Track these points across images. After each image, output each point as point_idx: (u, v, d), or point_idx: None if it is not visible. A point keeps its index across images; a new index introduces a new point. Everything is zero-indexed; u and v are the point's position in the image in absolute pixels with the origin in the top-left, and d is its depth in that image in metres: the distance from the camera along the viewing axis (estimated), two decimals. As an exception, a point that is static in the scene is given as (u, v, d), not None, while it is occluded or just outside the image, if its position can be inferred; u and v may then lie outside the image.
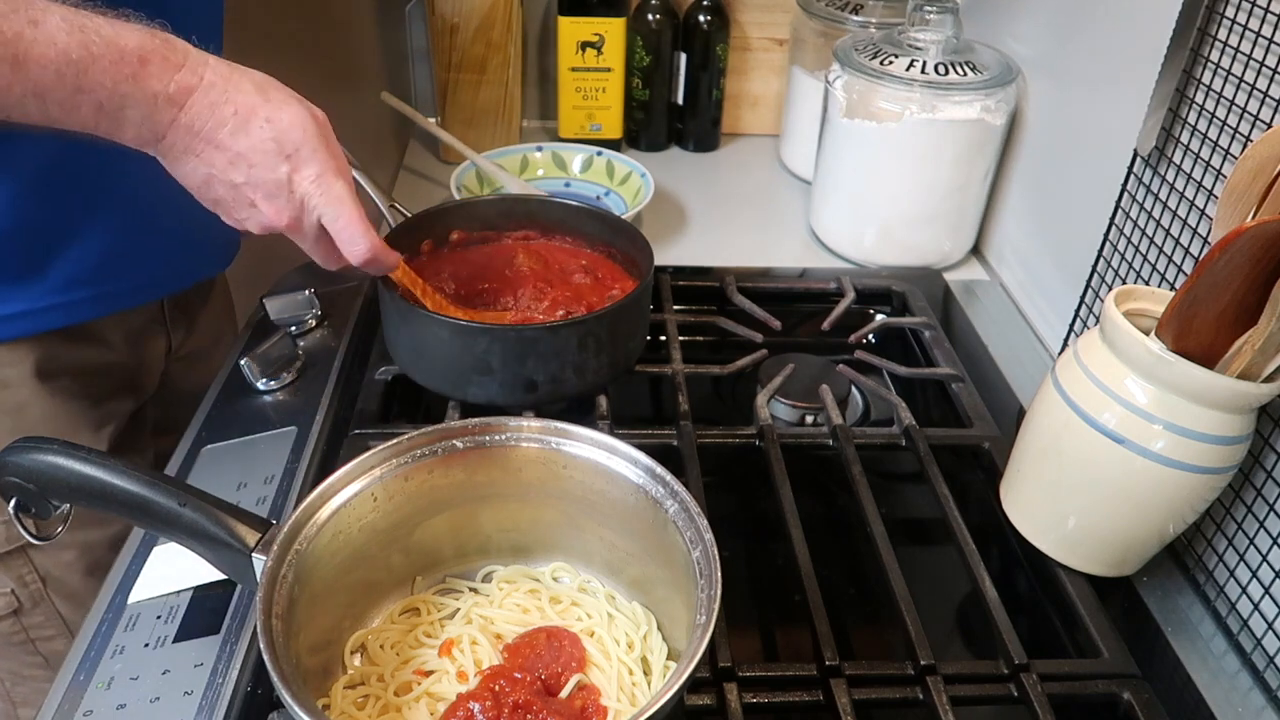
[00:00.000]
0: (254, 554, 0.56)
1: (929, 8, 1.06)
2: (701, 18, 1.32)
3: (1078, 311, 0.90)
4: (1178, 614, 0.72)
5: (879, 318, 1.03)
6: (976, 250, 1.19)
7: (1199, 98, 0.74)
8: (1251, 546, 0.68)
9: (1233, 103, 0.70)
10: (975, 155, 1.07)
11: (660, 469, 0.61)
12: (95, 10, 0.59)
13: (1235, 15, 0.70)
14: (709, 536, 0.57)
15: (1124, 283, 0.84)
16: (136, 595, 0.67)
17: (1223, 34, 0.71)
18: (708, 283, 1.03)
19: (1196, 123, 0.75)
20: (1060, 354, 0.77)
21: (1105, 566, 0.71)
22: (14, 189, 0.72)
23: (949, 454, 0.83)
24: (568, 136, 1.36)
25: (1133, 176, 0.83)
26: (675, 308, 0.98)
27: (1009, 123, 1.07)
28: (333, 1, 1.40)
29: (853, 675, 0.63)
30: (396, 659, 0.62)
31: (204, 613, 0.66)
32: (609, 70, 1.32)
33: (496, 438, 0.64)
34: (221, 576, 0.62)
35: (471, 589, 0.68)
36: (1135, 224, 0.82)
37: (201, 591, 0.67)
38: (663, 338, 0.93)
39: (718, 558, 0.55)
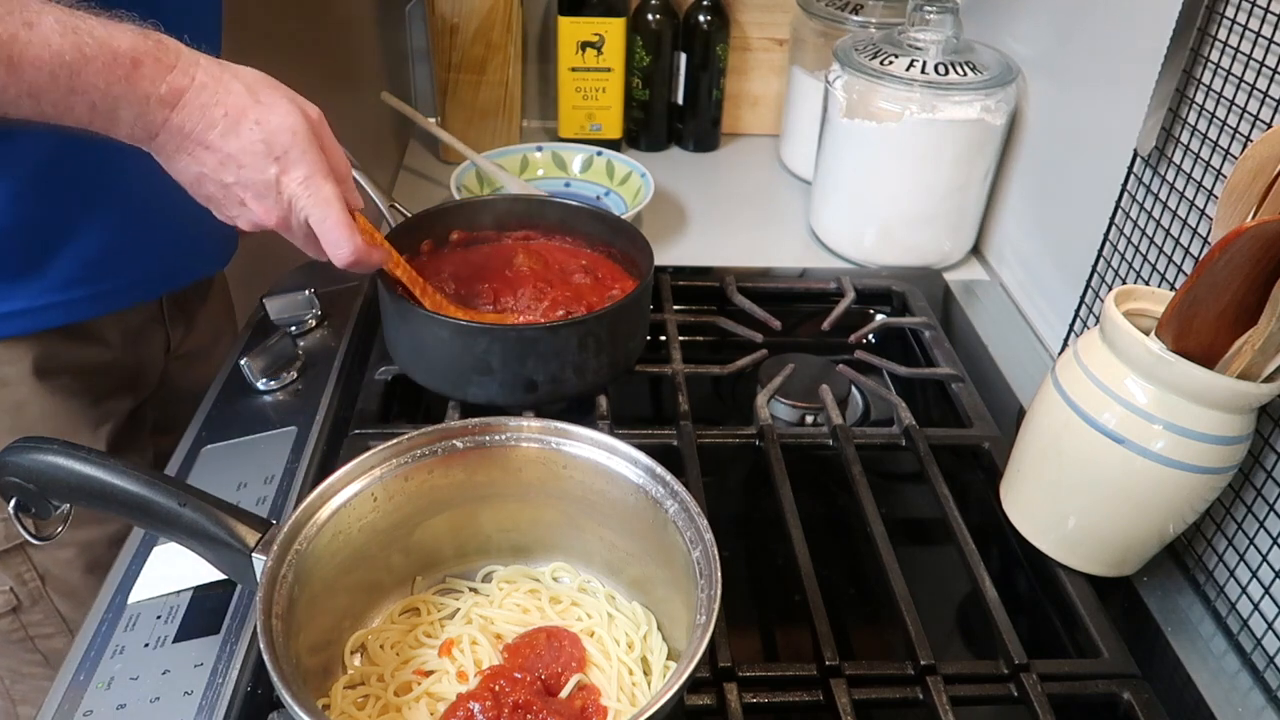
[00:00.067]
0: (254, 554, 0.56)
1: (929, 8, 1.06)
2: (701, 18, 1.32)
3: (1078, 311, 0.90)
4: (1178, 614, 0.72)
5: (879, 318, 1.03)
6: (976, 250, 1.19)
7: (1199, 98, 0.74)
8: (1251, 546, 0.68)
9: (1233, 103, 0.70)
10: (975, 155, 1.07)
11: (660, 469, 0.61)
12: (89, 11, 0.59)
13: (1235, 15, 0.70)
14: (709, 536, 0.57)
15: (1124, 283, 0.84)
16: (136, 595, 0.67)
17: (1223, 34, 0.71)
18: (708, 283, 1.03)
19: (1196, 123, 0.75)
20: (1060, 354, 0.77)
21: (1105, 566, 0.71)
22: (12, 187, 0.72)
23: (949, 454, 0.83)
24: (568, 136, 1.36)
25: (1133, 176, 0.83)
26: (675, 308, 0.98)
27: (1009, 123, 1.07)
28: (333, 1, 1.40)
29: (853, 675, 0.63)
30: (396, 659, 0.62)
31: (204, 613, 0.66)
32: (609, 70, 1.32)
33: (496, 438, 0.64)
34: (221, 576, 0.62)
35: (471, 589, 0.68)
36: (1135, 224, 0.82)
37: (201, 591, 0.67)
38: (663, 338, 0.93)
39: (718, 558, 0.55)
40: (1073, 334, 0.92)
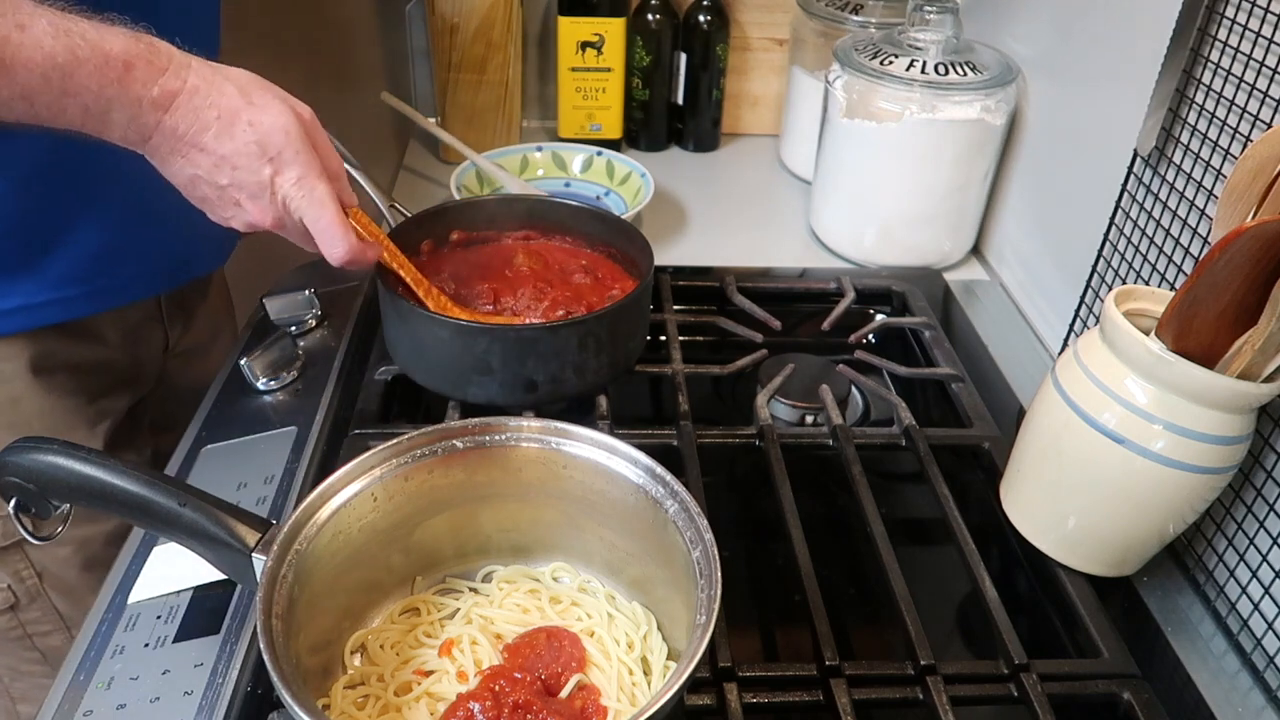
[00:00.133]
0: (254, 554, 0.56)
1: (929, 8, 1.06)
2: (701, 18, 1.32)
3: (1078, 311, 0.90)
4: (1178, 614, 0.72)
5: (879, 318, 1.03)
6: (976, 250, 1.19)
7: (1199, 98, 0.74)
8: (1251, 546, 0.68)
9: (1233, 103, 0.70)
10: (975, 155, 1.07)
11: (660, 469, 0.61)
12: (81, 14, 0.59)
13: (1235, 15, 0.70)
14: (709, 536, 0.57)
15: (1124, 283, 0.84)
16: (136, 595, 0.67)
17: (1223, 34, 0.71)
18: (708, 283, 1.03)
19: (1196, 123, 0.75)
20: (1060, 354, 0.77)
21: (1105, 566, 0.71)
22: (9, 185, 0.73)
23: (949, 454, 0.83)
24: (568, 136, 1.36)
25: (1133, 176, 0.83)
26: (675, 308, 0.98)
27: (1009, 123, 1.07)
28: (333, 1, 1.40)
29: (853, 675, 0.63)
30: (396, 659, 0.62)
31: (204, 613, 0.66)
32: (609, 70, 1.32)
33: (496, 438, 0.64)
34: (221, 576, 0.62)
35: (471, 589, 0.68)
36: (1135, 224, 0.82)
37: (201, 591, 0.67)
38: (663, 338, 0.93)
39: (718, 558, 0.55)
40: (1073, 334, 0.92)
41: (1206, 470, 0.64)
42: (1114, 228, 0.85)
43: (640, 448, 0.62)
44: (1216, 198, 0.69)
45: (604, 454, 0.63)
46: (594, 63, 1.31)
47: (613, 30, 1.29)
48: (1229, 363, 0.61)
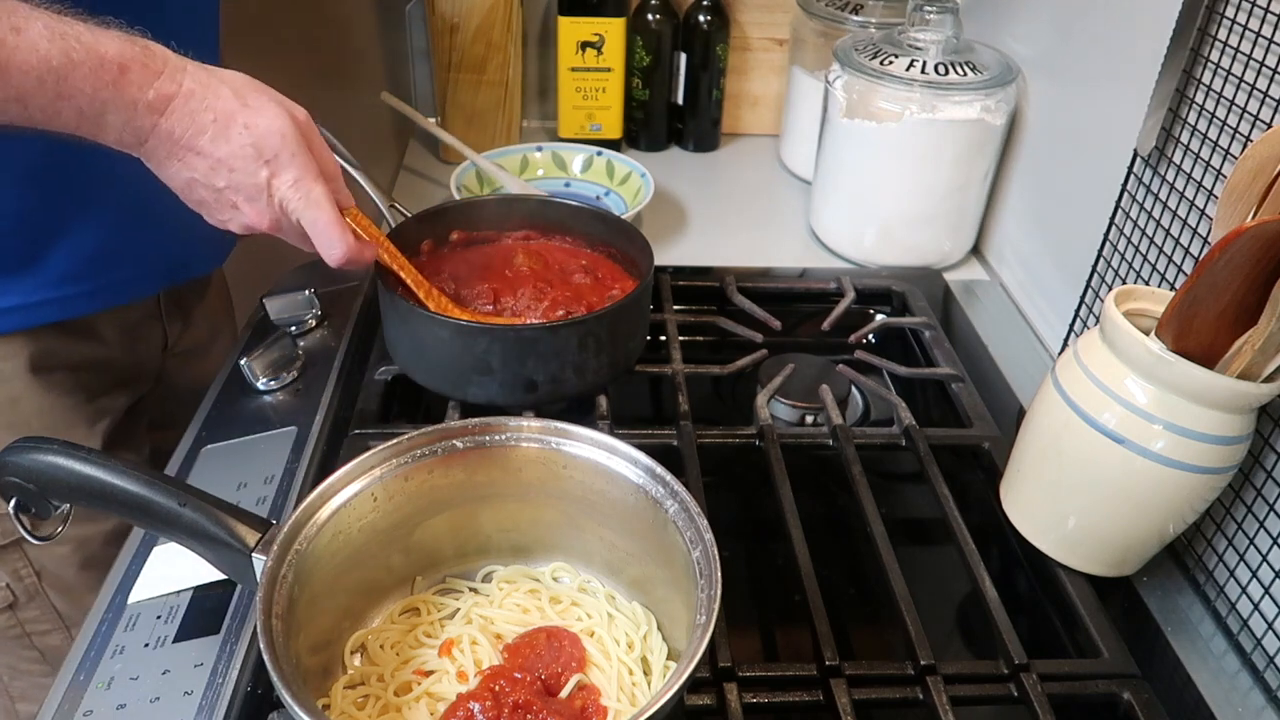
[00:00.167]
0: (254, 554, 0.56)
1: (929, 8, 1.06)
2: (701, 18, 1.32)
3: (1078, 311, 0.90)
4: (1178, 614, 0.72)
5: (879, 318, 1.03)
6: (976, 250, 1.19)
7: (1199, 98, 0.74)
8: (1251, 546, 0.68)
9: (1233, 103, 0.70)
10: (975, 155, 1.07)
11: (660, 469, 0.61)
12: (77, 17, 0.59)
13: (1235, 15, 0.70)
14: (709, 536, 0.57)
15: (1124, 283, 0.84)
16: (136, 595, 0.67)
17: (1223, 34, 0.71)
18: (708, 283, 1.03)
19: (1196, 123, 0.75)
20: (1060, 354, 0.77)
21: (1105, 566, 0.71)
22: (6, 184, 0.73)
23: (949, 454, 0.83)
24: (568, 136, 1.36)
25: (1133, 176, 0.83)
26: (675, 308, 0.98)
27: (1009, 123, 1.07)
28: (333, 1, 1.40)
29: (853, 675, 0.63)
30: (396, 659, 0.62)
31: (204, 613, 0.66)
32: (609, 70, 1.32)
33: (496, 438, 0.64)
34: (221, 576, 0.62)
35: (471, 589, 0.68)
36: (1135, 224, 0.82)
37: (201, 591, 0.67)
38: (663, 338, 0.93)
39: (718, 558, 0.55)
40: (1073, 334, 0.92)
41: (1206, 470, 0.64)
42: (1114, 228, 0.85)
43: (640, 448, 0.62)
44: (1216, 198, 0.69)
45: (604, 454, 0.63)
46: (594, 63, 1.31)
47: (613, 30, 1.29)
48: (1229, 363, 0.61)
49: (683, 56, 1.35)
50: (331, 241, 0.68)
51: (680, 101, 1.39)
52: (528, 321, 0.83)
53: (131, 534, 0.73)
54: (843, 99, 1.08)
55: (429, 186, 1.28)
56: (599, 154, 1.26)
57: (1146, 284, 0.80)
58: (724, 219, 1.25)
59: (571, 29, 1.29)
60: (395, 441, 0.62)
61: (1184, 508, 0.67)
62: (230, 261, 1.03)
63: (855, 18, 1.24)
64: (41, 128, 0.60)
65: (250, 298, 0.98)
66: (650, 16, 1.31)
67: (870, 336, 0.98)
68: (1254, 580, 0.68)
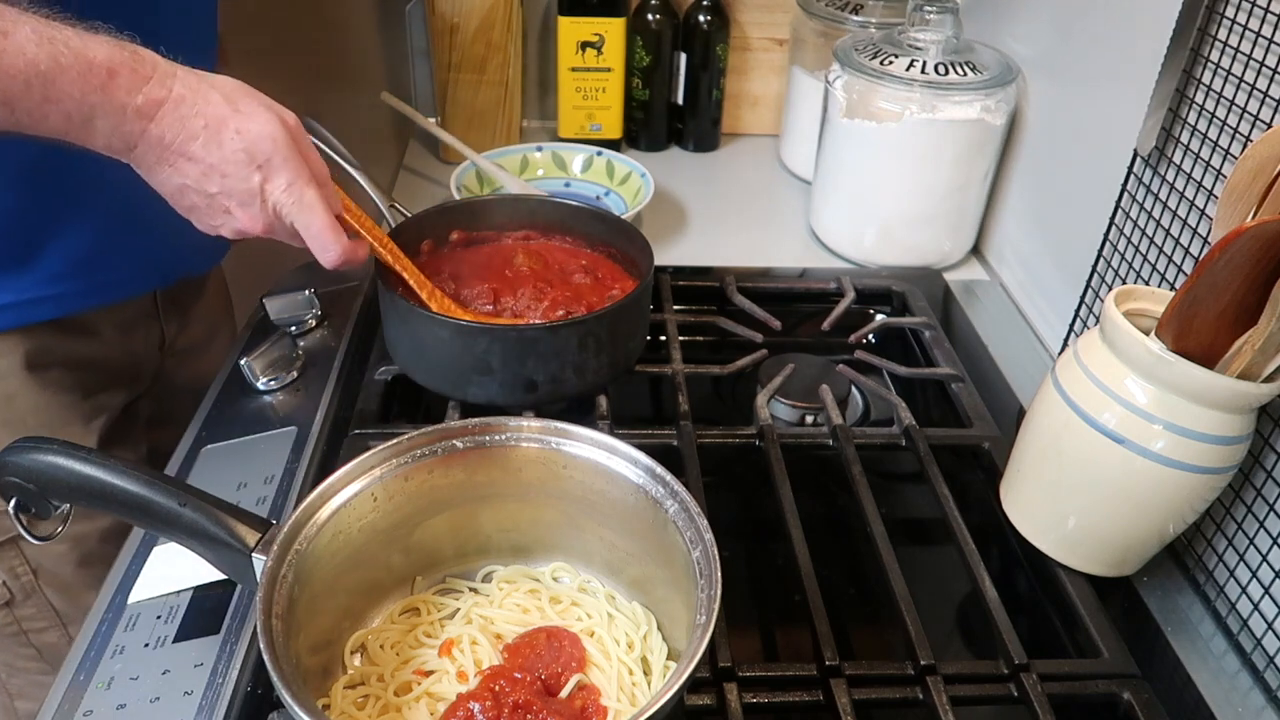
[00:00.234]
0: (254, 554, 0.56)
1: (929, 8, 1.06)
2: (701, 18, 1.32)
3: (1078, 311, 0.90)
4: (1178, 614, 0.72)
5: (879, 318, 1.03)
6: (976, 250, 1.19)
7: (1199, 98, 0.74)
8: (1251, 546, 0.68)
9: (1233, 103, 0.70)
10: (975, 155, 1.07)
11: (660, 469, 0.61)
12: (65, 21, 0.59)
13: (1235, 15, 0.70)
14: (709, 536, 0.57)
15: (1124, 283, 0.84)
16: (136, 595, 0.67)
17: (1223, 34, 0.71)
18: (708, 283, 1.03)
19: (1196, 123, 0.75)
20: (1060, 354, 0.77)
21: (1105, 566, 0.71)
22: (1, 181, 0.73)
23: (949, 454, 0.83)
24: (568, 136, 1.36)
25: (1133, 176, 0.83)
26: (675, 308, 0.98)
27: (1009, 123, 1.07)
28: (333, 1, 1.40)
29: (853, 675, 0.63)
30: (396, 659, 0.62)
31: (204, 613, 0.66)
32: (609, 70, 1.32)
33: (496, 438, 0.64)
34: (221, 576, 0.62)
35: (471, 589, 0.68)
36: (1135, 224, 0.82)
37: (201, 591, 0.67)
38: (663, 338, 0.93)
39: (718, 558, 0.55)
40: (1073, 334, 0.92)
41: (1206, 470, 0.64)
42: (1114, 228, 0.85)
43: (640, 448, 0.62)
44: (1216, 198, 0.69)
45: (604, 454, 0.63)
46: (594, 63, 1.31)
47: (613, 30, 1.29)
48: (1229, 363, 0.61)
49: (683, 56, 1.35)
50: (326, 244, 0.68)
51: (680, 101, 1.39)
52: (528, 321, 0.83)
53: (131, 534, 0.73)
54: (843, 99, 1.08)
55: (429, 186, 1.28)
56: (599, 154, 1.26)
57: (1146, 284, 0.80)
58: (724, 219, 1.25)
59: (571, 29, 1.29)
60: (395, 441, 0.62)
61: (1184, 508, 0.67)
62: (230, 260, 1.03)
63: (855, 18, 1.24)
64: (29, 133, 0.60)
65: (250, 297, 0.98)
66: (650, 16, 1.31)
67: (870, 336, 0.98)
68: (1254, 580, 0.68)
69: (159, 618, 0.65)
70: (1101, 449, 0.65)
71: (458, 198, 1.11)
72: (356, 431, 0.80)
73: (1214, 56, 0.72)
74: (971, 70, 1.05)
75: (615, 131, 1.37)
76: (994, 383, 0.93)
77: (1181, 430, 0.63)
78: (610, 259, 0.90)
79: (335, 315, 0.96)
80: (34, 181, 0.74)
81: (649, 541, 0.62)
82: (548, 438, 0.64)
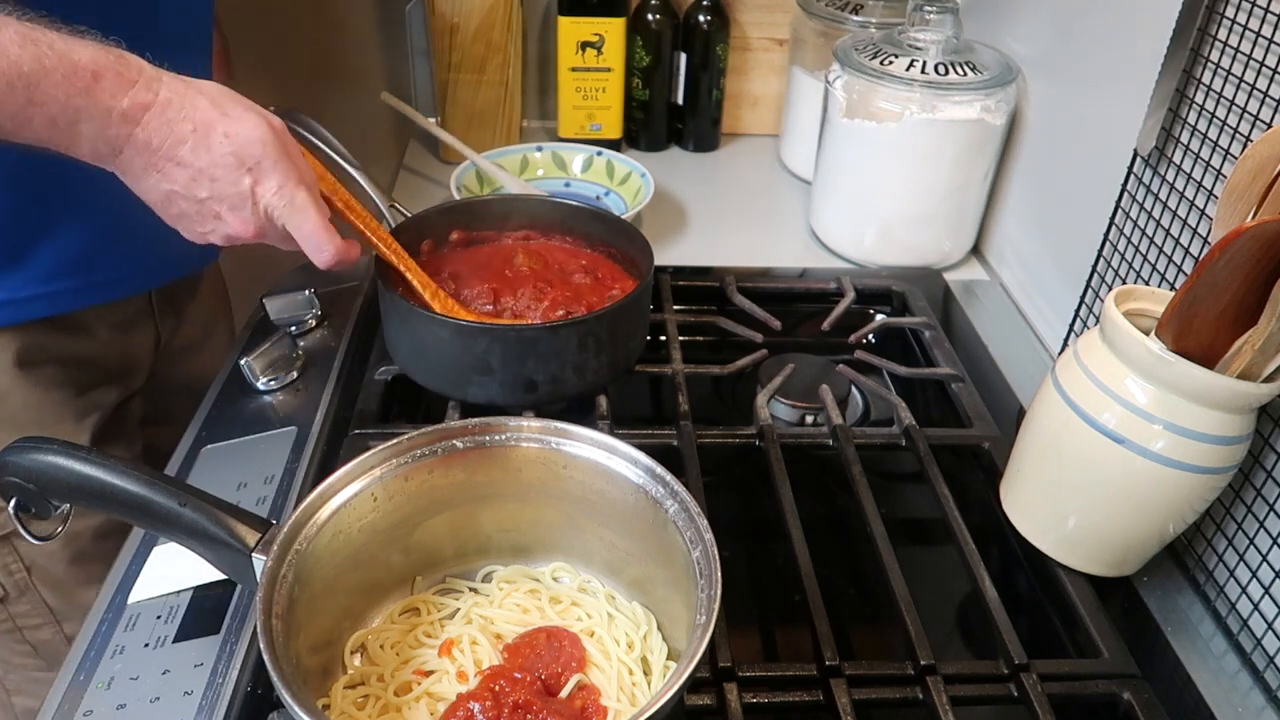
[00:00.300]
0: (254, 554, 0.56)
1: (929, 8, 1.06)
2: (701, 18, 1.32)
3: (1078, 311, 0.90)
4: (1178, 614, 0.72)
5: (879, 318, 1.03)
6: (976, 250, 1.19)
7: (1199, 98, 0.74)
8: (1251, 546, 0.68)
9: (1233, 103, 0.70)
10: (975, 155, 1.07)
11: (660, 469, 0.61)
12: (49, 25, 0.59)
13: (1235, 15, 0.70)
14: (709, 536, 0.57)
15: (1124, 283, 0.84)
16: (136, 595, 0.67)
17: (1223, 34, 0.71)
18: (708, 283, 1.03)
19: (1196, 123, 0.75)
20: (1060, 354, 0.77)
21: (1105, 566, 0.71)
22: None
23: (949, 454, 0.83)
24: (568, 136, 1.36)
25: (1133, 176, 0.83)
26: (675, 308, 0.98)
27: (1009, 123, 1.07)
28: (333, 1, 1.40)
29: (853, 675, 0.63)
30: (396, 659, 0.62)
31: (204, 613, 0.66)
32: (609, 70, 1.32)
33: (496, 438, 0.64)
34: (221, 576, 0.62)
35: (471, 589, 0.68)
36: (1135, 224, 0.82)
37: (201, 591, 0.67)
38: (663, 338, 0.93)
39: (718, 558, 0.55)
40: (1073, 334, 0.92)
41: (1206, 470, 0.64)
42: (1114, 228, 0.85)
43: (640, 448, 0.62)
44: (1216, 198, 0.69)
45: (604, 454, 0.63)
46: (594, 63, 1.31)
47: (613, 30, 1.29)
48: (1229, 363, 0.61)
49: (683, 56, 1.35)
50: (320, 244, 0.68)
51: (680, 101, 1.39)
52: (528, 321, 0.83)
53: (131, 534, 0.73)
54: (843, 99, 1.08)
55: (429, 186, 1.28)
56: (599, 154, 1.26)
57: (1146, 284, 0.80)
58: (724, 219, 1.25)
59: (571, 29, 1.29)
60: (395, 441, 0.62)
61: (1184, 508, 0.67)
62: (228, 260, 1.03)
63: (855, 18, 1.24)
64: (11, 139, 0.59)
65: (250, 297, 0.98)
66: (650, 16, 1.31)
67: (870, 336, 0.98)
68: (1254, 580, 0.68)
69: (159, 618, 0.65)
70: (1101, 449, 0.65)
71: (458, 198, 1.11)
72: (356, 431, 0.80)
73: (1214, 56, 0.72)
74: (971, 70, 1.05)
75: (615, 131, 1.37)
76: (994, 383, 0.93)
77: (1181, 430, 0.63)
78: (610, 259, 0.90)
79: (335, 315, 0.96)
80: (27, 180, 0.74)
81: (649, 541, 0.62)
82: (548, 438, 0.64)
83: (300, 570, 0.56)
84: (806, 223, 1.22)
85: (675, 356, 0.90)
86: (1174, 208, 0.77)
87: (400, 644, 0.63)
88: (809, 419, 0.87)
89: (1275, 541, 0.66)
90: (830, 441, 0.83)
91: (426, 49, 1.30)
